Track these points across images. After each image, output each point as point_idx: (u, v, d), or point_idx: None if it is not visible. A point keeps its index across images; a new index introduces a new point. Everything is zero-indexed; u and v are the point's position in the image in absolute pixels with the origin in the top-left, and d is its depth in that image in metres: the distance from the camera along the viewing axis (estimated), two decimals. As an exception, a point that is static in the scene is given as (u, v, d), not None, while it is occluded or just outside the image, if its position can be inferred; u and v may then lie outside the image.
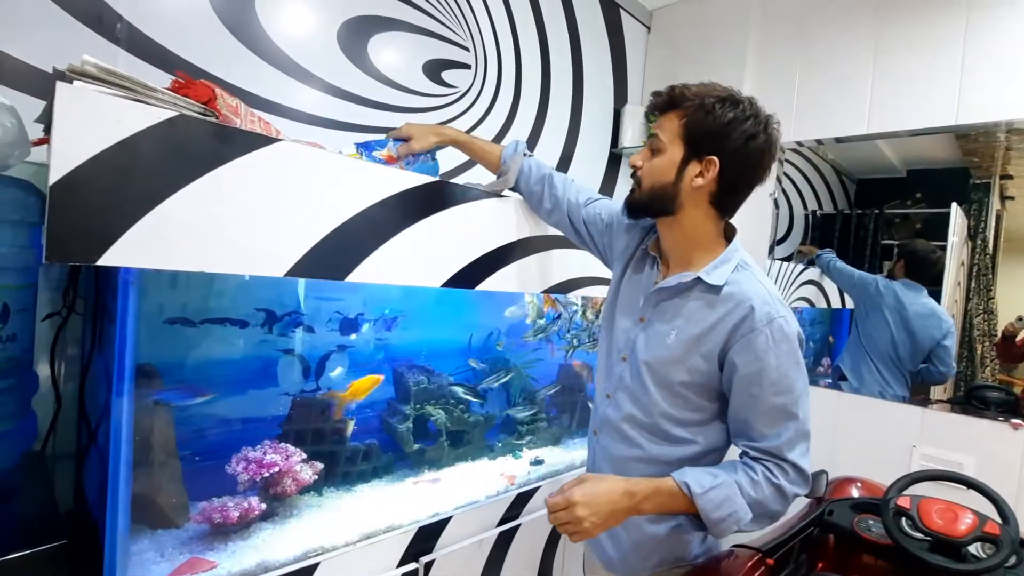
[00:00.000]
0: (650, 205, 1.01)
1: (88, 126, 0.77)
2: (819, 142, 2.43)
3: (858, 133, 2.30)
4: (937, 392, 2.15)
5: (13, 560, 0.81)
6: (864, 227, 2.43)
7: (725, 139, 0.93)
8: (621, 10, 2.76)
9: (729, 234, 1.05)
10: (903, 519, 1.10)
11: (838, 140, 2.37)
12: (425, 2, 1.93)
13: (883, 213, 2.39)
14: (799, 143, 2.47)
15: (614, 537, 1.08)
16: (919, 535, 1.07)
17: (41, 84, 1.19)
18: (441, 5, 1.98)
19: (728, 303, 0.94)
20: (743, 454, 0.97)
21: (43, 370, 1.17)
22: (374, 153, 1.29)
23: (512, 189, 1.39)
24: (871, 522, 1.22)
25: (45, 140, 0.97)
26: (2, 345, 0.92)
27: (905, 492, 1.16)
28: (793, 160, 2.52)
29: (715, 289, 0.96)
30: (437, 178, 1.27)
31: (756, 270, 1.00)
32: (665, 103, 1.00)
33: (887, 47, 2.22)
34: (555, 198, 1.33)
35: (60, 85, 0.75)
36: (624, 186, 2.86)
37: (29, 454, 1.08)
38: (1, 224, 0.90)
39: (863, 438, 2.14)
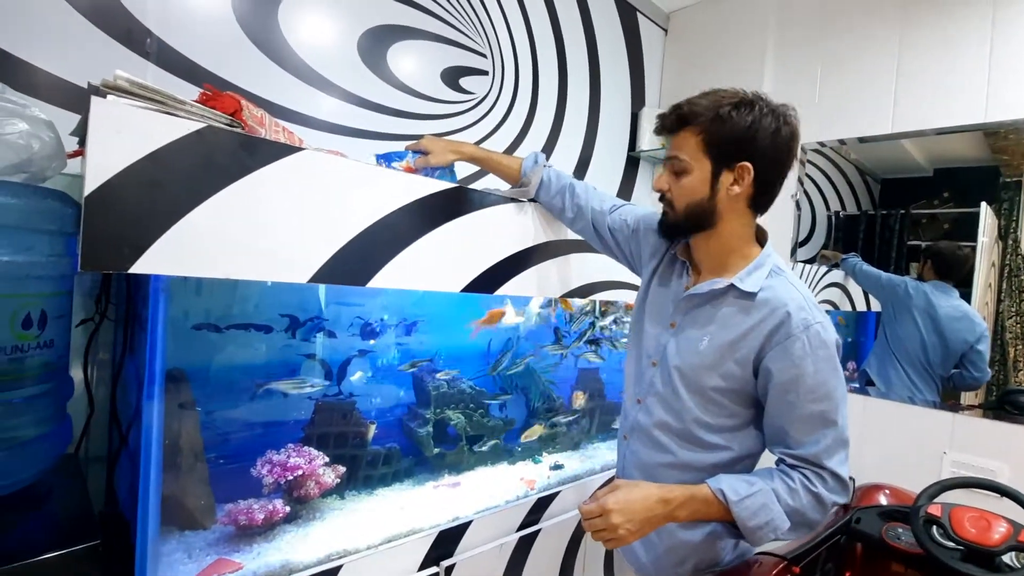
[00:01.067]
0: (688, 224, 1.00)
1: (121, 138, 0.80)
2: (842, 142, 2.39)
3: (882, 132, 2.26)
4: (968, 397, 2.09)
5: (50, 559, 0.84)
6: (889, 228, 2.38)
7: (752, 142, 0.92)
8: (638, 13, 2.75)
9: (761, 238, 1.04)
10: (934, 527, 1.08)
11: (861, 140, 2.33)
12: (443, 11, 1.95)
13: (909, 213, 2.34)
14: (821, 143, 2.43)
15: (647, 542, 1.07)
16: (951, 544, 1.05)
17: (76, 99, 1.23)
18: (459, 13, 2.00)
19: (763, 309, 0.93)
20: (779, 461, 0.95)
21: (77, 374, 1.21)
22: (393, 164, 1.31)
23: (532, 201, 1.39)
24: (900, 530, 1.20)
25: (80, 152, 1.01)
26: (40, 351, 0.95)
27: (936, 500, 1.13)
28: (815, 160, 2.48)
29: (749, 295, 0.95)
30: (456, 183, 1.29)
31: (790, 275, 0.98)
32: (675, 123, 0.99)
33: (911, 43, 2.18)
34: (578, 207, 1.32)
35: (95, 100, 0.78)
36: (642, 188, 2.85)
37: (64, 457, 1.12)
38: (39, 234, 0.93)
39: (891, 444, 2.09)
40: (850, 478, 1.32)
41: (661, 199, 1.04)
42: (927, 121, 2.14)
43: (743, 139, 0.92)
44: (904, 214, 2.35)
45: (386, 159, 1.31)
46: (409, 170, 1.30)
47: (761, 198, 0.97)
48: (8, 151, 0.88)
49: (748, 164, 0.93)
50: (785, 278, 0.96)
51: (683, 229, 1.02)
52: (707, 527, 1.01)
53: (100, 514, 1.11)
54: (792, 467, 0.92)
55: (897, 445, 2.07)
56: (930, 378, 2.14)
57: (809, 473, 0.91)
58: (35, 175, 0.95)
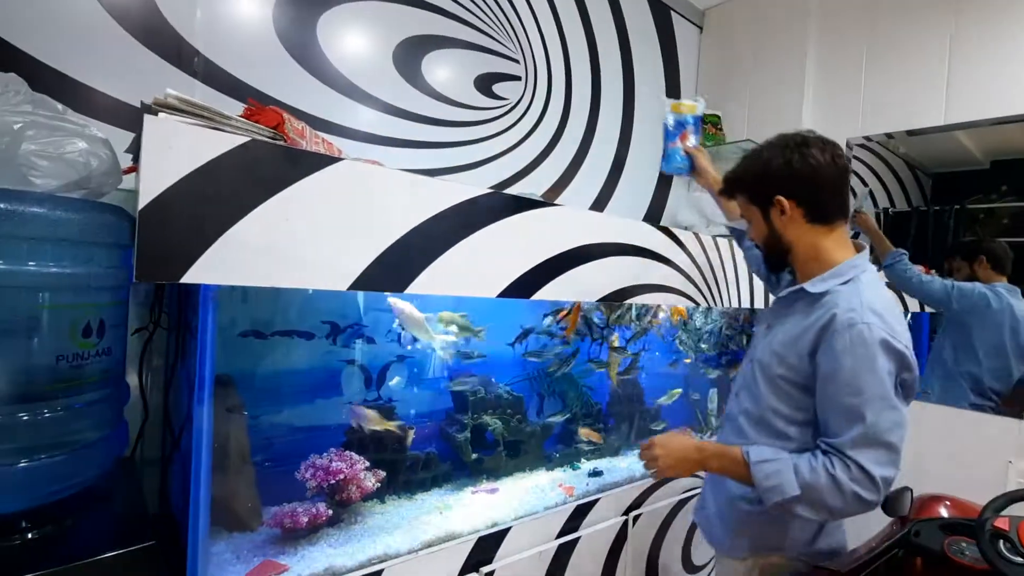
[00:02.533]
0: (772, 254, 1.19)
1: (172, 154, 0.83)
2: (889, 136, 2.30)
3: (933, 124, 2.16)
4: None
5: (108, 559, 0.87)
6: (943, 224, 2.27)
7: (770, 180, 1.10)
8: (671, 12, 2.72)
9: (860, 249, 1.15)
10: (1001, 542, 1.01)
11: (910, 133, 2.23)
12: (475, 18, 1.97)
13: (964, 209, 2.22)
14: (867, 138, 2.35)
15: (722, 517, 1.21)
16: (1019, 559, 0.98)
17: (130, 117, 1.30)
18: (491, 20, 2.02)
19: (821, 309, 1.05)
20: (817, 446, 1.04)
21: (132, 381, 1.27)
22: (686, 130, 1.61)
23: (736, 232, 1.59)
24: (964, 545, 1.13)
25: (134, 168, 1.06)
26: (99, 358, 1.00)
27: (1003, 512, 1.06)
28: (861, 156, 2.39)
29: (815, 297, 1.08)
30: (685, 168, 1.60)
31: (866, 282, 1.06)
32: (730, 192, 1.23)
33: (964, 28, 2.08)
34: None
35: (147, 118, 0.81)
36: (678, 191, 2.81)
37: (121, 460, 1.17)
38: (97, 247, 0.98)
39: (951, 453, 1.98)
40: (907, 488, 1.26)
41: (756, 246, 1.28)
42: (983, 111, 2.04)
43: (763, 182, 1.12)
44: (959, 209, 2.23)
45: (696, 124, 1.62)
46: (684, 137, 1.60)
47: (817, 212, 1.09)
48: (69, 169, 0.93)
49: (779, 196, 1.09)
50: (857, 284, 1.05)
51: (773, 260, 1.20)
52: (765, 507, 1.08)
53: (154, 515, 1.16)
54: (824, 452, 1.01)
55: (958, 454, 1.96)
56: (995, 395, 1.99)
57: (835, 459, 0.98)
58: (93, 191, 1.00)
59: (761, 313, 1.33)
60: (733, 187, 1.21)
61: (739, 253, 1.99)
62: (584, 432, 1.87)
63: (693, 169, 1.63)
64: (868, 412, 0.96)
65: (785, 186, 1.09)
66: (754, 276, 2.04)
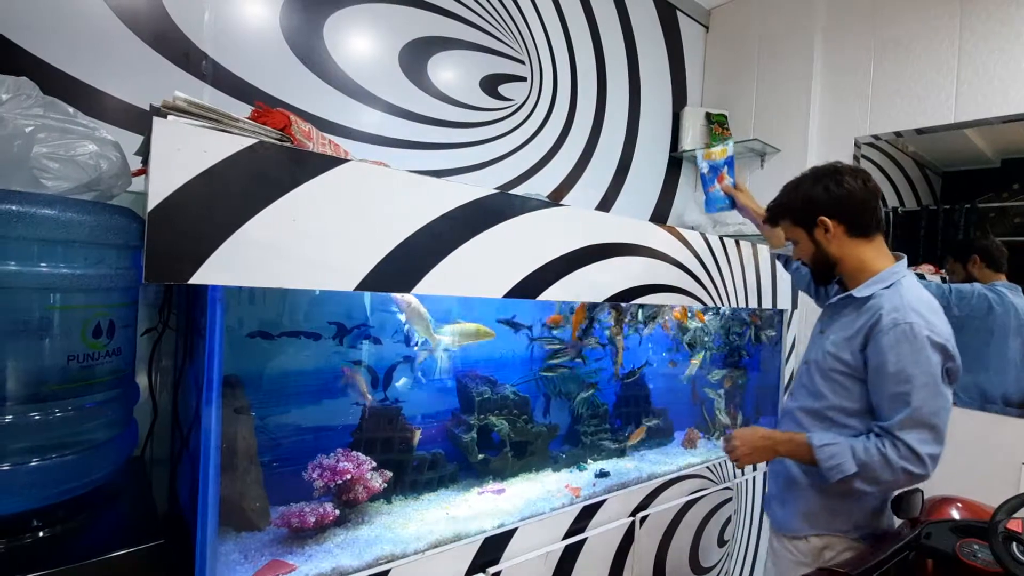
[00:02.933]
0: (820, 270, 1.32)
1: (180, 156, 0.84)
2: (898, 134, 2.28)
3: (943, 123, 2.14)
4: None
5: (117, 558, 0.88)
6: (954, 224, 2.25)
7: (813, 206, 1.26)
8: (677, 11, 2.71)
9: (899, 257, 1.27)
10: (1014, 544, 1.00)
11: (919, 131, 2.21)
12: (481, 20, 1.98)
13: (975, 208, 2.20)
14: (875, 136, 2.33)
15: (783, 500, 1.35)
16: (1034, 563, 0.97)
17: (139, 120, 1.31)
18: (496, 21, 2.02)
19: (868, 312, 1.20)
20: (870, 430, 1.18)
21: (142, 381, 1.28)
22: (721, 172, 1.77)
23: (782, 259, 1.76)
24: (976, 547, 1.12)
25: (143, 171, 1.07)
26: (109, 358, 1.01)
27: (1015, 514, 1.05)
28: (870, 155, 2.37)
29: (862, 301, 1.23)
30: (727, 206, 1.76)
31: (907, 285, 1.20)
32: (774, 220, 1.38)
33: (972, 26, 2.06)
34: None
35: (156, 120, 0.82)
36: (685, 189, 2.80)
37: (131, 459, 1.18)
38: (107, 248, 0.99)
39: (963, 454, 1.95)
40: (918, 490, 1.25)
41: (803, 264, 1.40)
42: (993, 109, 2.02)
43: (806, 207, 1.27)
44: (969, 208, 2.21)
45: (728, 166, 1.77)
46: (722, 177, 1.76)
47: (856, 226, 1.24)
48: (80, 171, 0.94)
49: (822, 217, 1.24)
50: (899, 288, 1.19)
51: (821, 275, 1.33)
52: (831, 488, 1.21)
53: (163, 515, 1.17)
54: (877, 435, 1.14)
55: (970, 455, 1.94)
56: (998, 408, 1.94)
57: (886, 440, 1.12)
58: (103, 193, 1.01)
59: (818, 320, 1.44)
60: (777, 214, 1.35)
61: (746, 254, 1.98)
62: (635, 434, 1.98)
63: (735, 205, 1.76)
64: (913, 398, 1.09)
65: (827, 208, 1.24)
66: (759, 277, 2.03)
